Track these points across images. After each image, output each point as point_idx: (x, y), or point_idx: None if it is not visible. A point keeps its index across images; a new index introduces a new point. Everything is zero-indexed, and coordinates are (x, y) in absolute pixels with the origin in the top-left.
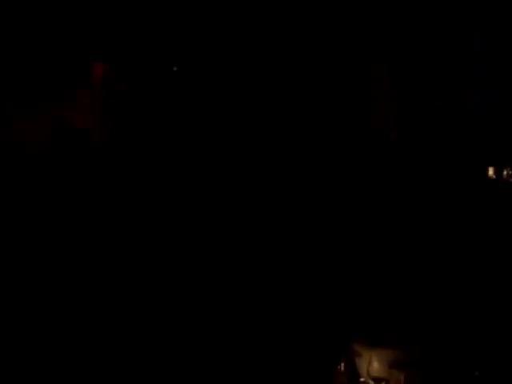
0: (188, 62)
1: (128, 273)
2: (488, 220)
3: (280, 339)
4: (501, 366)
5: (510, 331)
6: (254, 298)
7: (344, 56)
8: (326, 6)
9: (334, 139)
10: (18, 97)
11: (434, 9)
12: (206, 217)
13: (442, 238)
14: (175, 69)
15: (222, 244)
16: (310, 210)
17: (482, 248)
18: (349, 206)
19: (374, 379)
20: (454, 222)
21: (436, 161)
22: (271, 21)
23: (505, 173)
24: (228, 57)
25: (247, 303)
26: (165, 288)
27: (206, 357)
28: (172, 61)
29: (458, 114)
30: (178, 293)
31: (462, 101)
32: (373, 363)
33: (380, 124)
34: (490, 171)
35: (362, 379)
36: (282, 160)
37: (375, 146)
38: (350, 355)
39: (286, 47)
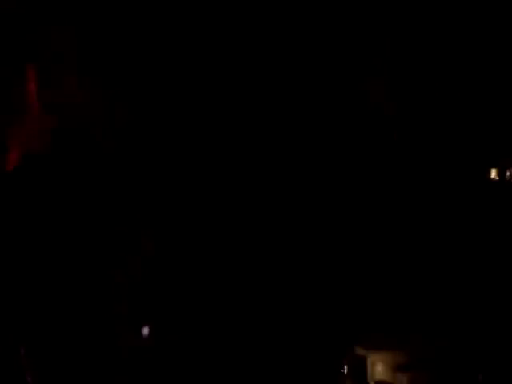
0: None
1: (129, 273)
2: (490, 222)
3: (283, 343)
4: (504, 370)
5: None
6: (256, 302)
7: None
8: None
9: (336, 139)
10: None
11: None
12: (207, 218)
13: (443, 240)
14: None
15: (222, 245)
16: (308, 212)
17: (484, 250)
18: (348, 208)
19: (378, 382)
20: (455, 224)
21: (437, 162)
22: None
23: (508, 174)
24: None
25: (249, 307)
26: (165, 288)
27: (205, 362)
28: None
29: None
30: (179, 293)
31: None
32: (376, 366)
33: (383, 124)
34: (493, 172)
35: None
36: (280, 158)
37: (377, 146)
38: (354, 359)
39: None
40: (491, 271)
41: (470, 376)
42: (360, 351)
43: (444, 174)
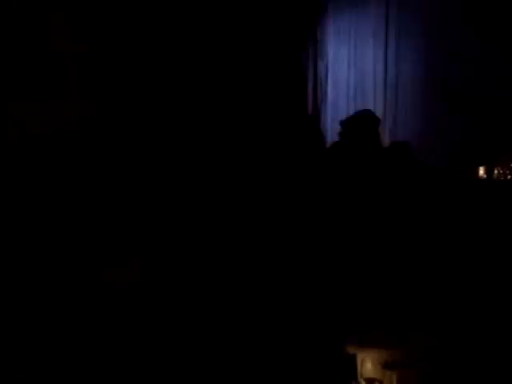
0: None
1: (128, 273)
2: (479, 219)
3: (272, 341)
4: (495, 366)
5: (502, 330)
6: (245, 302)
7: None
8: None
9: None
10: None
11: None
12: (206, 216)
13: (433, 238)
14: None
15: (219, 244)
16: (299, 214)
17: (473, 248)
18: (339, 208)
19: (367, 380)
20: (445, 221)
21: (427, 161)
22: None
23: (495, 172)
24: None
25: (238, 307)
26: (165, 287)
27: (200, 364)
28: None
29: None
30: (179, 293)
31: None
32: (365, 364)
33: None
34: (481, 171)
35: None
36: (272, 159)
37: (367, 146)
38: (344, 356)
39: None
40: (481, 268)
41: (460, 373)
42: (350, 349)
43: (433, 172)
